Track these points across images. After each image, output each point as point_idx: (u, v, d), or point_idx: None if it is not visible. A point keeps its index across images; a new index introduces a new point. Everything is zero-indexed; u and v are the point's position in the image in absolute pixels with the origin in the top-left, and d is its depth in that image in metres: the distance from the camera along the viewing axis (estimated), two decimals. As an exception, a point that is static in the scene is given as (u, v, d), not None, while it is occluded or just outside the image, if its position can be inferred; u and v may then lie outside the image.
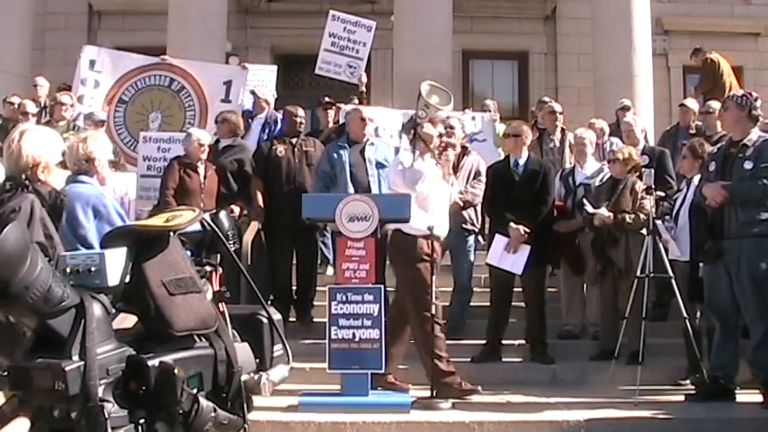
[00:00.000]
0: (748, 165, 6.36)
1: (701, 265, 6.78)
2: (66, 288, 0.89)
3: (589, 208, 7.56)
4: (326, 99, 10.91)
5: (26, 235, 0.84)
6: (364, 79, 11.03)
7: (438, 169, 6.84)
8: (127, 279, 1.06)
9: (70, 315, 0.89)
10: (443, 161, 6.93)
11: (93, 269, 0.94)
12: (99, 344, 0.91)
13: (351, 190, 7.66)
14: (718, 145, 7.15)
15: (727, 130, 6.72)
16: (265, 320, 1.10)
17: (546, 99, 11.22)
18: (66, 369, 0.87)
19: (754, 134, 6.50)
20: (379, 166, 8.15)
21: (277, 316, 1.12)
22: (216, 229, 1.13)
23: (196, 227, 1.22)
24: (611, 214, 7.48)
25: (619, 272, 7.49)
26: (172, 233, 1.20)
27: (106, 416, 0.90)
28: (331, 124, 10.51)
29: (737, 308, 6.45)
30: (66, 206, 4.28)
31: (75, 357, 0.88)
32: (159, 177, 8.80)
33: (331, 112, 10.52)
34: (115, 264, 0.94)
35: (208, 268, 1.26)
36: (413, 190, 6.57)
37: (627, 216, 7.45)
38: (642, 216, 7.30)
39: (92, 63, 11.14)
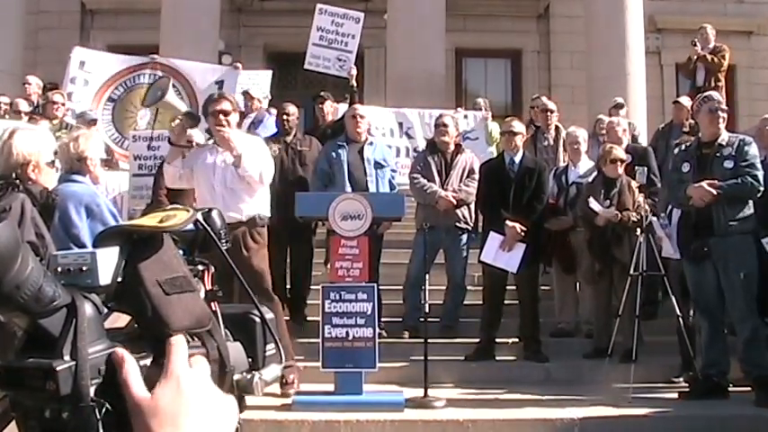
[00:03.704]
0: (728, 164, 6.49)
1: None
2: (58, 287, 0.88)
3: (595, 206, 7.53)
4: (321, 93, 10.83)
5: (17, 233, 0.84)
6: (354, 72, 10.91)
7: (220, 154, 6.40)
8: (119, 278, 1.06)
9: (62, 314, 0.88)
10: (219, 139, 6.38)
11: (84, 268, 0.93)
12: (90, 343, 0.90)
13: (348, 189, 7.63)
14: (683, 146, 7.20)
15: (712, 130, 6.71)
16: (258, 320, 1.10)
17: (543, 98, 11.19)
18: (58, 369, 0.86)
19: (725, 134, 6.64)
20: (378, 165, 8.14)
21: (269, 315, 1.12)
22: (208, 228, 1.12)
23: (188, 225, 1.22)
24: (618, 213, 7.49)
25: (621, 270, 7.46)
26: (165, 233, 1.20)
27: (98, 416, 0.89)
28: (329, 117, 10.36)
29: (724, 304, 6.49)
30: (58, 205, 4.27)
31: (67, 357, 0.87)
32: (151, 176, 8.77)
33: (325, 107, 10.40)
34: (107, 263, 0.93)
35: (200, 267, 1.26)
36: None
37: (632, 214, 7.45)
38: (642, 213, 7.31)
39: (82, 63, 11.12)
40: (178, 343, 0.98)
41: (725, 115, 6.72)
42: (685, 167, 6.68)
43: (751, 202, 6.50)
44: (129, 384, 0.91)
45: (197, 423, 0.92)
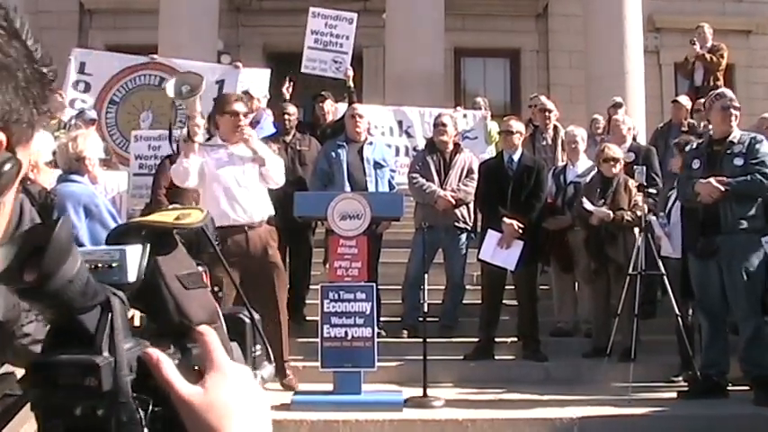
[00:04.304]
0: (738, 161, 6.44)
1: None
2: (96, 283, 0.90)
3: (588, 206, 7.53)
4: (321, 92, 10.78)
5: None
6: (350, 73, 10.87)
7: (240, 153, 6.48)
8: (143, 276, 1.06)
9: (97, 310, 0.89)
10: (241, 140, 6.46)
11: (114, 265, 0.94)
12: (123, 340, 0.91)
13: (347, 189, 7.63)
14: (695, 143, 7.21)
15: (724, 128, 6.69)
16: (248, 320, 1.10)
17: (541, 98, 11.17)
18: (101, 364, 0.86)
19: (737, 132, 6.60)
20: (377, 165, 8.14)
21: (256, 316, 1.13)
22: (206, 229, 1.13)
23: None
24: (611, 212, 7.48)
25: (617, 269, 7.47)
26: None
27: (141, 413, 0.89)
28: (330, 117, 10.32)
29: (726, 303, 6.49)
30: (57, 205, 4.27)
31: (106, 353, 0.88)
32: (151, 175, 8.78)
33: (326, 105, 10.36)
34: (134, 260, 0.95)
35: (200, 268, 1.26)
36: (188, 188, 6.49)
37: (626, 214, 7.45)
38: (638, 213, 7.31)
39: (82, 65, 11.11)
40: (211, 333, 0.98)
41: (737, 113, 6.67)
42: (695, 164, 6.66)
43: (760, 200, 6.46)
44: (173, 382, 0.91)
45: (248, 414, 0.92)
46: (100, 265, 0.96)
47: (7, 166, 0.79)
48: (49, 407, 0.91)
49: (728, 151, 6.52)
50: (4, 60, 0.79)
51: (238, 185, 6.39)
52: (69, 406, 0.90)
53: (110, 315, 0.93)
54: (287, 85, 10.74)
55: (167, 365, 0.91)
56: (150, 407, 0.91)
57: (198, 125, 6.51)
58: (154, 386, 0.91)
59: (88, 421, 0.90)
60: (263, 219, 6.51)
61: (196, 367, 0.95)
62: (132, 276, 0.98)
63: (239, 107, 6.52)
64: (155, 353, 0.92)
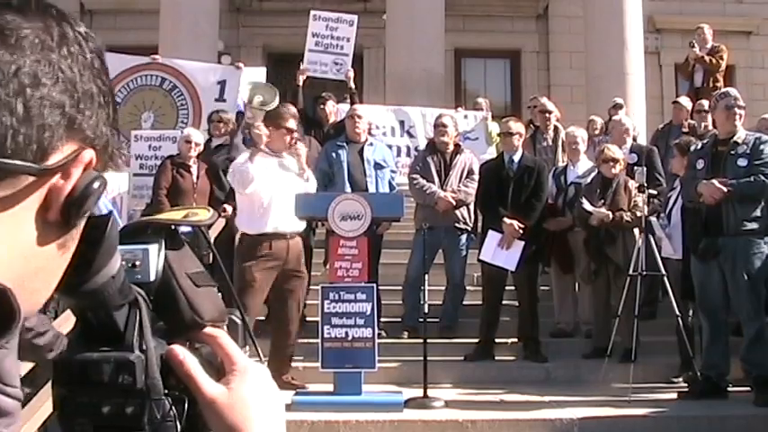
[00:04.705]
0: (742, 162, 6.40)
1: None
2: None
3: (587, 206, 7.53)
4: (322, 94, 10.80)
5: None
6: (351, 74, 10.92)
7: (287, 165, 6.77)
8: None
9: (125, 308, 0.90)
10: (294, 155, 6.81)
11: (137, 263, 0.94)
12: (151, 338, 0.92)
13: (348, 189, 7.65)
14: (700, 143, 7.19)
15: (728, 127, 6.65)
16: (239, 321, 1.11)
17: (541, 99, 11.17)
18: (135, 361, 0.87)
19: (742, 132, 6.56)
20: (378, 166, 8.16)
21: (242, 317, 1.14)
22: (204, 231, 1.13)
23: (187, 227, 1.22)
24: (610, 213, 7.48)
25: (616, 270, 7.47)
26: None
27: (175, 412, 0.89)
28: (332, 117, 10.32)
29: (727, 305, 6.48)
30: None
31: (137, 351, 0.88)
32: (152, 176, 8.79)
33: (327, 107, 10.36)
34: (154, 259, 0.95)
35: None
36: (242, 193, 6.63)
37: (625, 214, 7.45)
38: (637, 213, 7.31)
39: (83, 66, 11.11)
40: (223, 334, 0.99)
41: (742, 112, 6.62)
42: (699, 164, 6.63)
43: (763, 202, 6.42)
44: (198, 379, 0.91)
45: (268, 413, 0.94)
46: (123, 263, 0.97)
47: (96, 184, 0.80)
48: (75, 405, 0.91)
49: (732, 152, 6.47)
50: (103, 88, 0.82)
51: (288, 195, 6.53)
52: (97, 404, 0.90)
53: (138, 313, 0.93)
54: (302, 68, 10.74)
55: (193, 364, 0.92)
56: (186, 404, 0.91)
57: (265, 134, 6.75)
58: (174, 384, 0.92)
59: (117, 419, 0.90)
60: (300, 230, 6.77)
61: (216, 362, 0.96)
62: (153, 275, 0.99)
63: (292, 124, 6.77)
64: (181, 351, 0.93)
